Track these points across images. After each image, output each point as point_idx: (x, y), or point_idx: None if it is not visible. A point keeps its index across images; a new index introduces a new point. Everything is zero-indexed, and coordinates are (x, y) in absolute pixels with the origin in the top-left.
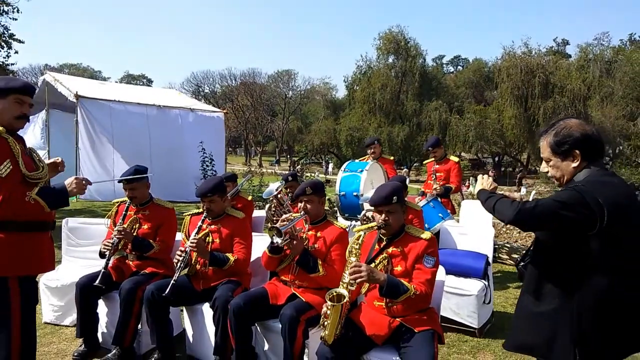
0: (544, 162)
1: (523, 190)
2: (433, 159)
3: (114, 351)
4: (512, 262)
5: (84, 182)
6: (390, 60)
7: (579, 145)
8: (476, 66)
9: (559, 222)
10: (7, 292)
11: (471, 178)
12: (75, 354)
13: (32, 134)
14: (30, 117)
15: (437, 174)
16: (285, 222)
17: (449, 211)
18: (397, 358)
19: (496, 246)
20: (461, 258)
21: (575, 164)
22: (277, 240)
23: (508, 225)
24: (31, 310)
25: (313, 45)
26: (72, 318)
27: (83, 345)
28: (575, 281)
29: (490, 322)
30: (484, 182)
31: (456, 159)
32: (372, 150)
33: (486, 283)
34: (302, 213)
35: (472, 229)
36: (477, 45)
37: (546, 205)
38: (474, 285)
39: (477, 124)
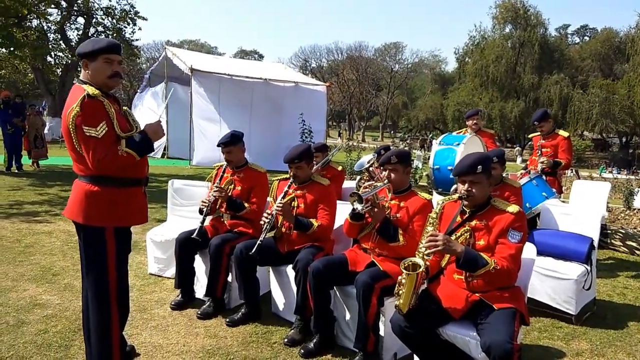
0: None
1: None
2: (540, 133)
3: (208, 302)
4: (625, 249)
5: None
6: (507, 30)
7: None
8: (605, 36)
9: None
10: (104, 240)
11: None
12: (173, 303)
13: (152, 101)
14: (150, 88)
15: (542, 150)
16: (367, 189)
17: (554, 190)
18: (474, 333)
19: (609, 231)
20: (562, 239)
21: None
22: (358, 206)
23: (627, 211)
24: (125, 257)
25: (423, 16)
26: (173, 270)
27: (180, 296)
28: None
29: (591, 310)
30: None
31: (566, 134)
32: (475, 122)
33: (588, 268)
34: (385, 182)
35: (577, 209)
36: (608, 13)
37: None
38: (573, 269)
39: (602, 100)
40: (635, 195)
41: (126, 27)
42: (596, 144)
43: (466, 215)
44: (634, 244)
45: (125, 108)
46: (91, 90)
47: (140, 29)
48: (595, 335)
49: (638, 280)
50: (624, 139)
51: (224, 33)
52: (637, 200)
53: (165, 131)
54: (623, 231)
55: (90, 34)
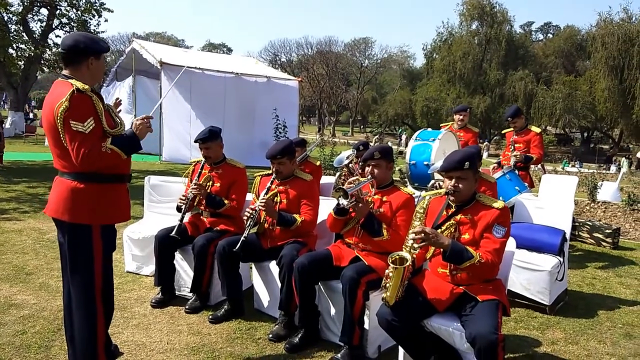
0: None
1: (613, 168)
2: (513, 129)
3: (194, 297)
4: (592, 241)
5: (145, 120)
6: (474, 26)
7: None
8: (568, 34)
9: None
10: (91, 239)
11: (623, 159)
12: (153, 300)
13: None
14: (118, 82)
15: (515, 145)
16: (352, 185)
17: (526, 184)
18: (459, 325)
19: (576, 224)
20: (536, 232)
21: None
22: (343, 202)
23: (592, 204)
24: (110, 255)
25: (392, 12)
26: (151, 268)
27: (160, 294)
28: None
29: (563, 300)
30: None
31: (538, 130)
32: (462, 118)
33: (561, 259)
34: (369, 177)
35: (550, 203)
36: (570, 11)
37: None
38: (547, 261)
39: (565, 96)
40: (599, 188)
41: (91, 19)
42: (559, 138)
43: (452, 210)
44: (600, 236)
45: (107, 104)
46: (80, 85)
47: (106, 20)
48: (569, 324)
49: (605, 271)
50: (585, 134)
51: (190, 23)
52: (601, 193)
53: (152, 127)
54: (590, 223)
55: (54, 26)
